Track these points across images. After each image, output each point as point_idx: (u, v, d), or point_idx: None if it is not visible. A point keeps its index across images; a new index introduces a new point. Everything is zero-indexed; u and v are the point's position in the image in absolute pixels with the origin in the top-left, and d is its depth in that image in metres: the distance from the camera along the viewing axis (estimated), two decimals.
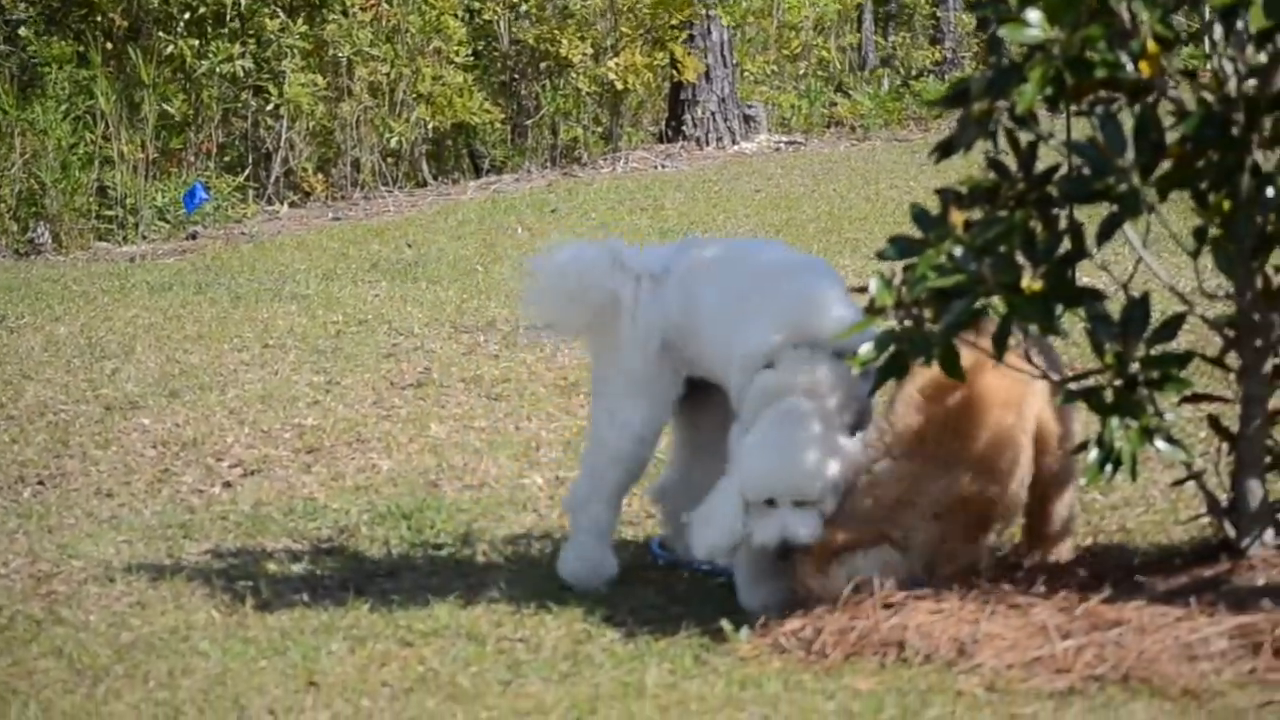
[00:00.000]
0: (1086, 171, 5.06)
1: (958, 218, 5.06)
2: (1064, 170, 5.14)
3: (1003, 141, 5.16)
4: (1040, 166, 5.16)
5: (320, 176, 14.63)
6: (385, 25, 14.79)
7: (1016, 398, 5.27)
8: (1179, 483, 5.62)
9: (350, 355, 8.66)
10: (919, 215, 5.12)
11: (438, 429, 7.48)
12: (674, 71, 16.24)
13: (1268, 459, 5.29)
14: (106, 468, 7.26)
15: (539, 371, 8.02)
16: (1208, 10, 5.08)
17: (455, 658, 5.19)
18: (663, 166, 15.65)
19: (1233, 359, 5.32)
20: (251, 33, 14.33)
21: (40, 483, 7.13)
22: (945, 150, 5.23)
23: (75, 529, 6.57)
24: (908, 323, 5.04)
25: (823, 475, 5.23)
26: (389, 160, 14.94)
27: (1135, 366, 4.96)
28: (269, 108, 14.32)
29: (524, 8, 15.87)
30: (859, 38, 19.59)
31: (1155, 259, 5.39)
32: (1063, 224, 5.13)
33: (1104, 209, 5.05)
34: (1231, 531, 5.26)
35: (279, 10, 14.40)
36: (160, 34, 14.16)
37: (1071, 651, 4.84)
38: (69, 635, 5.53)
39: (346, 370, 8.40)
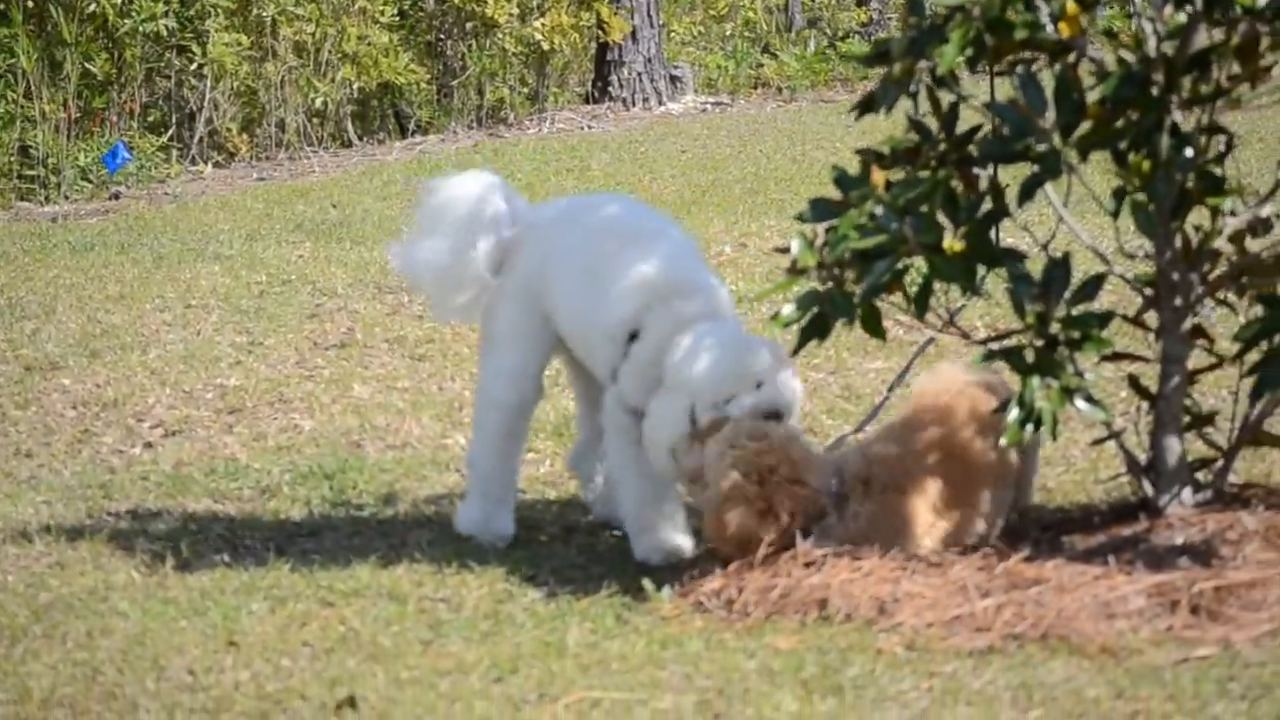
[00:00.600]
0: (1007, 132, 5.07)
1: (879, 178, 5.08)
2: (985, 131, 5.15)
3: (924, 103, 5.17)
4: (962, 127, 5.17)
5: (245, 137, 14.53)
6: None
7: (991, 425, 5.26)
8: (1099, 442, 5.66)
9: (273, 315, 8.63)
10: (840, 177, 5.13)
11: (361, 389, 7.46)
12: (600, 32, 16.20)
13: (1186, 418, 5.33)
14: (26, 428, 7.21)
15: (462, 332, 8.00)
16: None
17: (376, 617, 5.18)
18: (589, 127, 15.62)
19: (1152, 318, 5.35)
20: None
21: None
22: (865, 107, 5.24)
23: None
24: (830, 284, 5.06)
25: (764, 356, 5.29)
26: (314, 120, 14.85)
27: (1056, 326, 4.97)
28: (193, 67, 14.20)
29: None
30: None
31: (1076, 219, 5.41)
32: (984, 184, 5.15)
33: (1025, 169, 5.06)
34: (1150, 490, 5.30)
35: None
36: None
37: (991, 610, 4.86)
38: None
39: (269, 330, 8.37)
